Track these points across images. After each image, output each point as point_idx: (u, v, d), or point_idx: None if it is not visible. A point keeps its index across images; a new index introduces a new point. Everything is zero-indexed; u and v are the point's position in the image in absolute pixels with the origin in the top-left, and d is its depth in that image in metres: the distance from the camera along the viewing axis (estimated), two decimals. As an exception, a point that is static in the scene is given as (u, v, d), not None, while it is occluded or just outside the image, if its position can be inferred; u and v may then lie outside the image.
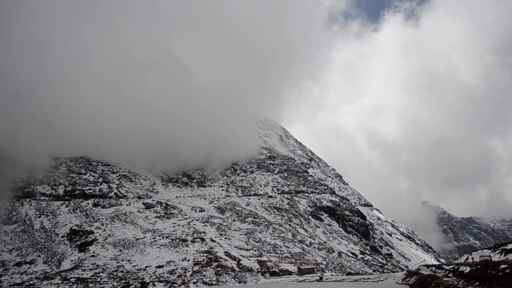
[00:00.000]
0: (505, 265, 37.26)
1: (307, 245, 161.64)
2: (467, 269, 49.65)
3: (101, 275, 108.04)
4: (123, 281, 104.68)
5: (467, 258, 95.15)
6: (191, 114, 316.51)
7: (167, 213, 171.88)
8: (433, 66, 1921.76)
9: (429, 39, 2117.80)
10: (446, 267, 68.01)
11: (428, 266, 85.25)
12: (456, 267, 59.53)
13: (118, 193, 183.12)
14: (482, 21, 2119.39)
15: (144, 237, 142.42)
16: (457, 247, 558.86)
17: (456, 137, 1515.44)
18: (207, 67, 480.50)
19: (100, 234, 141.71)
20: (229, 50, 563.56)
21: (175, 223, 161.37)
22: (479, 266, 46.10)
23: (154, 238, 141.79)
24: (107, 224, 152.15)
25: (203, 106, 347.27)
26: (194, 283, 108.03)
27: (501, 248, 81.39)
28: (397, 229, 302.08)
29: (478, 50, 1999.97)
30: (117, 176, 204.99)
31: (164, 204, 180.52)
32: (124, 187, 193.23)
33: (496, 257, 70.14)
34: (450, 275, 56.20)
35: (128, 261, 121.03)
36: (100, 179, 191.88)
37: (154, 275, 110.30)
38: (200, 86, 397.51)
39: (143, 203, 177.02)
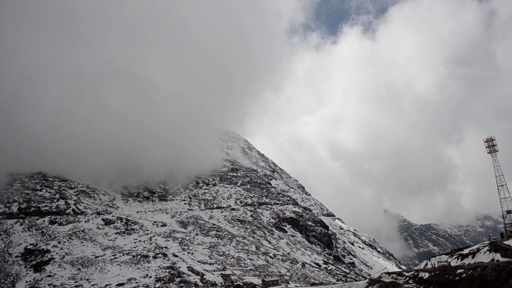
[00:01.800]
0: (462, 270, 38.37)
1: (271, 257, 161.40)
2: (426, 275, 50.85)
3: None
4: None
5: (426, 264, 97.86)
6: (156, 127, 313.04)
7: (128, 228, 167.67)
8: (390, 77, 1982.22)
9: (386, 51, 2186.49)
10: (407, 274, 69.47)
11: (389, 273, 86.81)
12: (416, 274, 60.90)
13: (76, 210, 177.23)
14: (435, 34, 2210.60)
15: (104, 254, 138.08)
16: (417, 253, 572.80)
17: (414, 146, 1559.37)
18: (173, 79, 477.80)
19: (57, 253, 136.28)
20: (194, 63, 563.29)
21: (136, 239, 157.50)
22: (437, 272, 47.27)
23: (114, 255, 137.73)
24: (64, 242, 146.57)
25: (168, 118, 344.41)
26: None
27: (458, 253, 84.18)
28: (359, 238, 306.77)
29: (432, 62, 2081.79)
30: (75, 192, 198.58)
31: (124, 220, 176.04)
32: (83, 203, 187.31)
33: (453, 262, 72.40)
34: (410, 281, 57.41)
35: (87, 280, 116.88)
36: (57, 195, 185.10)
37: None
38: (166, 98, 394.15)
39: (103, 219, 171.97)
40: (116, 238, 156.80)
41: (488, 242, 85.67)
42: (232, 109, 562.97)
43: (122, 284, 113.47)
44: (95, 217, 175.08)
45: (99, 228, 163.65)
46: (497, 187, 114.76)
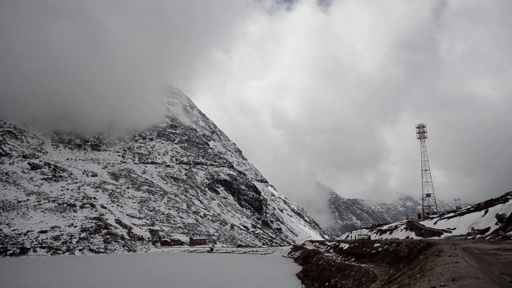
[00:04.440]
0: (379, 244, 40.63)
1: (201, 216, 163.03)
2: (346, 246, 53.56)
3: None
4: (0, 245, 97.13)
5: (348, 236, 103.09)
6: (100, 73, 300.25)
7: (56, 175, 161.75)
8: (338, 52, 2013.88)
9: (337, 26, 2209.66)
10: (328, 243, 73.04)
11: (312, 241, 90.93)
12: (337, 244, 64.13)
13: (1, 151, 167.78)
14: (386, 16, 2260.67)
15: (28, 199, 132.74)
16: (341, 225, 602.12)
17: (352, 123, 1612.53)
18: (122, 26, 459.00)
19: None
20: (146, 13, 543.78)
21: (63, 187, 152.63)
22: (356, 244, 49.83)
23: (38, 201, 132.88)
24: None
25: (113, 66, 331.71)
26: (80, 250, 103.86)
27: (378, 228, 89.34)
28: (289, 206, 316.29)
29: (379, 43, 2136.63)
30: (0, 131, 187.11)
31: (52, 166, 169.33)
32: (8, 144, 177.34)
33: (373, 236, 76.87)
34: (331, 250, 60.39)
35: (7, 224, 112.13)
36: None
37: (36, 241, 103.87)
38: (113, 44, 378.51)
39: (29, 163, 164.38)
40: (42, 184, 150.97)
41: (406, 220, 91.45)
42: (181, 64, 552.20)
43: (45, 232, 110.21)
44: (21, 160, 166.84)
45: (24, 172, 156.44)
46: (421, 172, 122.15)
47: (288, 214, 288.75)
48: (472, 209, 61.51)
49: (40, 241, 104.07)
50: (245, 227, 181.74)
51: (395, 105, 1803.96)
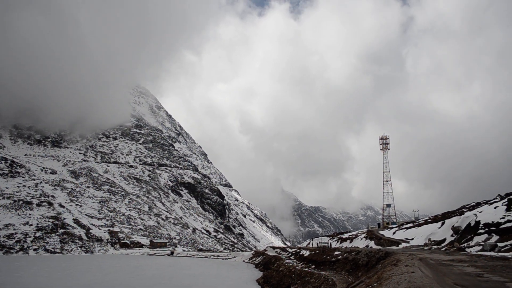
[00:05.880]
0: (339, 252, 41.28)
1: (162, 219, 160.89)
2: (307, 253, 54.10)
3: None
4: None
5: (309, 243, 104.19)
6: (68, 67, 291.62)
7: (12, 171, 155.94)
8: (306, 61, 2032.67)
9: (307, 35, 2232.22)
10: (290, 250, 73.57)
11: (274, 248, 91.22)
12: (298, 251, 64.70)
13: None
14: (356, 27, 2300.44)
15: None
16: (303, 232, 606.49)
17: (319, 131, 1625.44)
18: (96, 19, 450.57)
19: None
20: (121, 10, 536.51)
21: (20, 183, 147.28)
22: (317, 251, 50.39)
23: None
24: None
25: (82, 60, 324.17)
26: (35, 250, 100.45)
27: (339, 236, 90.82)
28: (252, 211, 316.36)
29: (347, 53, 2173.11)
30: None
31: (9, 161, 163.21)
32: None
33: (334, 244, 77.95)
34: (292, 257, 60.80)
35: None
36: None
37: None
38: (84, 38, 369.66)
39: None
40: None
41: (366, 230, 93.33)
42: (150, 63, 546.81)
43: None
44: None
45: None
46: (383, 182, 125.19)
47: (251, 220, 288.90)
48: (429, 220, 63.39)
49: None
50: (207, 231, 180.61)
51: (361, 116, 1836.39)
